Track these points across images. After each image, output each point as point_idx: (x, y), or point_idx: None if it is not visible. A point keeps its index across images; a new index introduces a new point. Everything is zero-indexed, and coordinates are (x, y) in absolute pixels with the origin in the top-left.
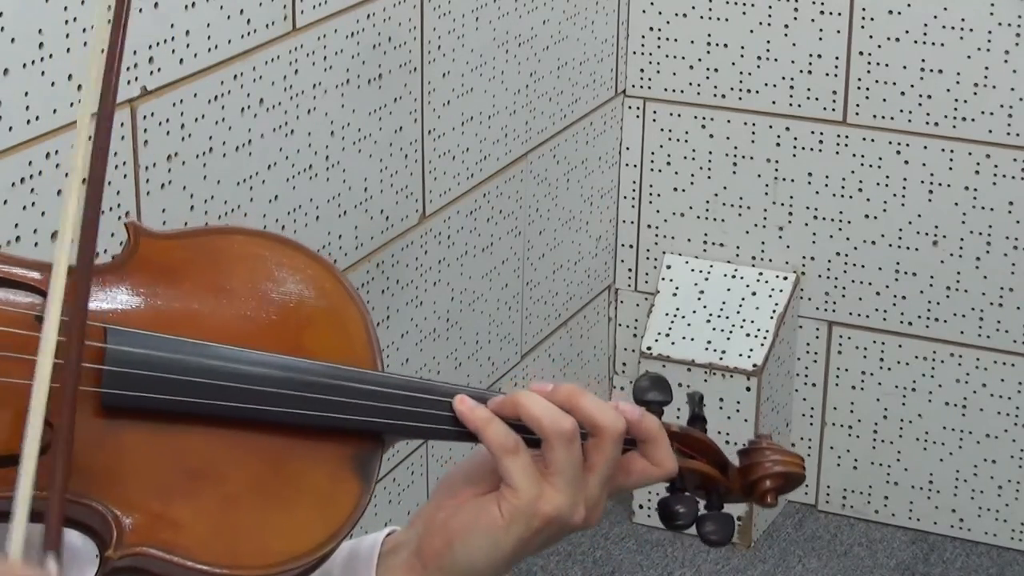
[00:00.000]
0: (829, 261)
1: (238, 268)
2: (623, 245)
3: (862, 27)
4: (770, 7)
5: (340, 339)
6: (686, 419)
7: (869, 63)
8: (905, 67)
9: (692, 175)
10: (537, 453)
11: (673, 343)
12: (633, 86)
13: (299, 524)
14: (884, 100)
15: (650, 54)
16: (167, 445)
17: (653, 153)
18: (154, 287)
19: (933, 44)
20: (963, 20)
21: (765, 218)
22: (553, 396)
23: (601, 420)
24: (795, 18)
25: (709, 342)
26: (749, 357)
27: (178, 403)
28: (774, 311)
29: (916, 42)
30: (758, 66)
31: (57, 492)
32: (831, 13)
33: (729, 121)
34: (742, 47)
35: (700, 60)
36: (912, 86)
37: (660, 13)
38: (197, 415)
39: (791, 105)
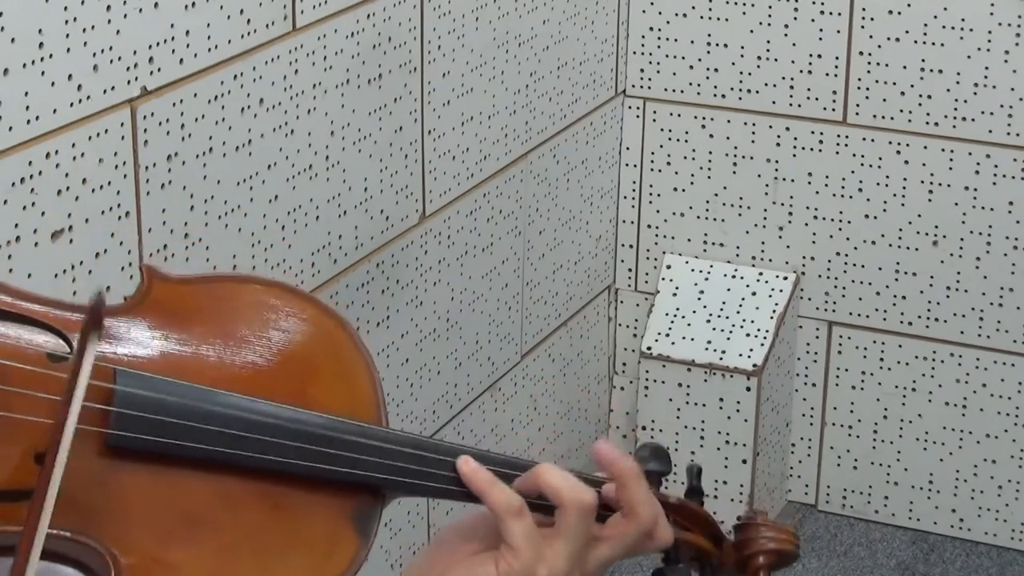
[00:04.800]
0: (829, 261)
1: (249, 316)
2: (623, 245)
3: (862, 27)
4: (770, 7)
5: (346, 393)
6: (684, 492)
7: (869, 63)
8: (905, 67)
9: (692, 175)
10: (540, 517)
11: (673, 343)
12: (633, 86)
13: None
14: (884, 100)
15: (650, 54)
16: (169, 489)
17: (653, 153)
18: (165, 331)
19: (933, 44)
20: (963, 20)
21: (765, 218)
22: (611, 470)
23: (640, 509)
24: (795, 18)
25: (709, 342)
26: (749, 357)
27: (182, 448)
28: (774, 311)
29: (916, 42)
30: (758, 66)
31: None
32: (831, 13)
33: (729, 121)
34: (742, 47)
35: (700, 60)
36: (912, 86)
37: (660, 13)
38: (201, 461)
39: (791, 105)
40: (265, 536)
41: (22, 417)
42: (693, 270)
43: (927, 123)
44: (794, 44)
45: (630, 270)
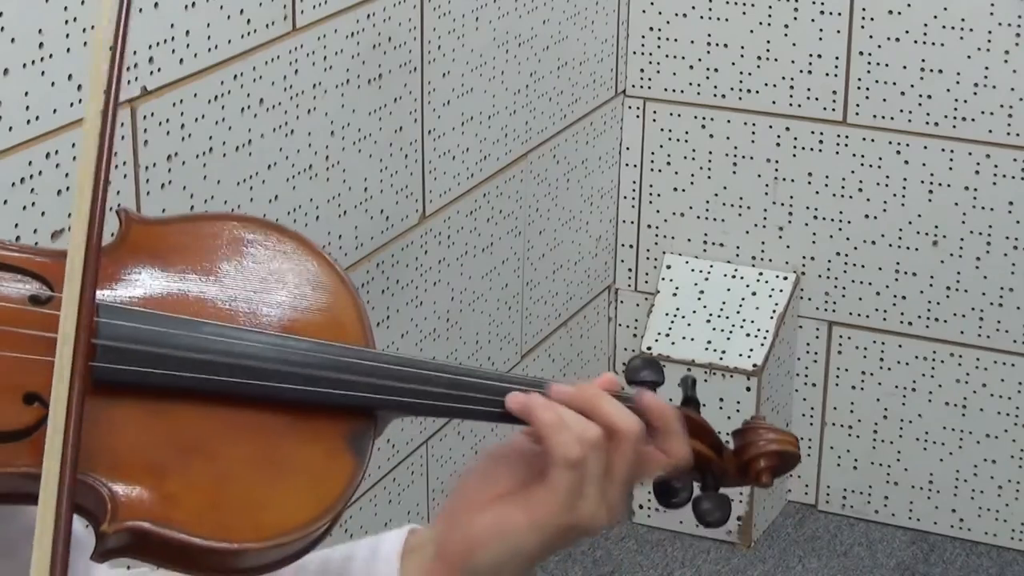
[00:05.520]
0: (829, 261)
1: (229, 251)
2: (623, 245)
3: (862, 27)
4: (770, 7)
5: (331, 320)
6: (680, 402)
7: (869, 63)
8: (905, 67)
9: (692, 175)
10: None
11: (673, 343)
12: (633, 86)
13: (293, 499)
14: (884, 100)
15: (650, 54)
16: (160, 421)
17: (653, 153)
18: (146, 269)
19: (933, 44)
20: (963, 20)
21: (765, 218)
22: (574, 400)
23: (620, 423)
24: (795, 18)
25: (709, 342)
26: (749, 357)
27: (171, 378)
28: (774, 311)
29: (916, 42)
30: (758, 66)
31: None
32: (831, 13)
33: (729, 121)
34: (742, 47)
35: (700, 60)
36: (912, 86)
37: (660, 13)
38: (190, 391)
39: (791, 105)
40: (261, 462)
41: (8, 354)
42: (693, 270)
43: (927, 123)
44: (794, 44)
45: (630, 270)
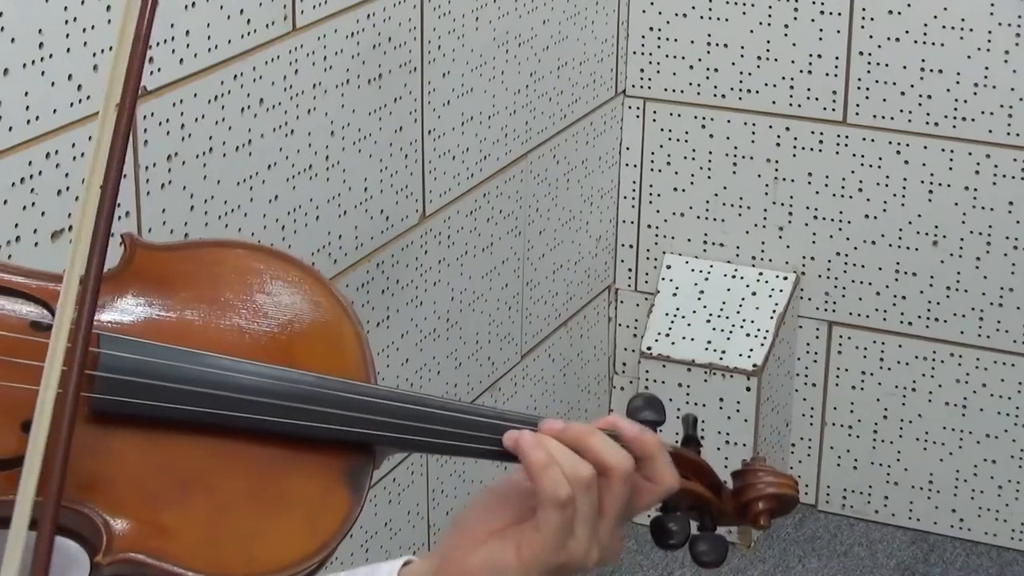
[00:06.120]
0: (829, 261)
1: (234, 280)
2: (623, 245)
3: (862, 27)
4: (770, 7)
5: (333, 353)
6: (680, 441)
7: (869, 63)
8: (905, 67)
9: (692, 175)
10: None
11: (673, 343)
12: (633, 86)
13: (289, 534)
14: (884, 100)
15: (650, 54)
16: (158, 452)
17: (653, 153)
18: (149, 297)
19: (933, 44)
20: (963, 20)
21: (765, 218)
22: (564, 437)
23: (610, 461)
24: (795, 18)
25: (709, 342)
26: (749, 357)
27: (170, 410)
28: (774, 311)
29: (916, 42)
30: (758, 66)
31: (49, 513)
32: (831, 13)
33: (729, 121)
34: (742, 47)
35: (700, 60)
36: (912, 86)
37: (660, 13)
38: (189, 423)
39: (791, 105)
40: (258, 495)
41: (6, 384)
42: (693, 270)
43: (927, 123)
44: (794, 44)
45: (630, 270)
